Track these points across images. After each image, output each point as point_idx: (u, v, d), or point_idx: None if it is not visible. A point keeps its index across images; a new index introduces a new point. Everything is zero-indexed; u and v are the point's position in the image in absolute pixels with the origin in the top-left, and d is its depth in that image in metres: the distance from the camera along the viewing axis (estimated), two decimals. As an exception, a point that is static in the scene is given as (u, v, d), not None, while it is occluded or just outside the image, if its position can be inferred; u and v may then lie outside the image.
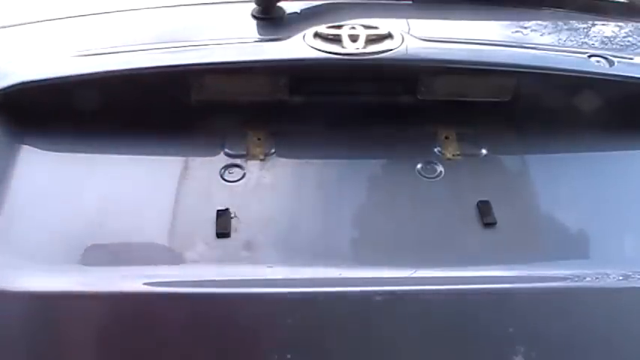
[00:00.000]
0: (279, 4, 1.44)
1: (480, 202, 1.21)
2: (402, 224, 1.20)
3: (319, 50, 1.31)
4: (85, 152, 1.26)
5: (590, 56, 1.38)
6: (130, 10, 1.51)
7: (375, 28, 1.35)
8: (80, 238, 1.14)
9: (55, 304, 1.06)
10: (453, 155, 1.30)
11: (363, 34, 1.33)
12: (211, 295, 1.07)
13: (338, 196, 1.23)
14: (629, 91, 1.35)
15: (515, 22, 1.57)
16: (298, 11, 1.47)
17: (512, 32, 1.55)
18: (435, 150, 1.30)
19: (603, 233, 1.20)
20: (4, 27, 1.47)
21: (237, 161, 1.26)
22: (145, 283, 1.08)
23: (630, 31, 1.57)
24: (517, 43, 1.46)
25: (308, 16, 1.45)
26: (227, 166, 1.25)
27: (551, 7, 1.64)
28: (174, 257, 1.16)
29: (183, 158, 1.27)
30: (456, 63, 1.34)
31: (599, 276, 1.13)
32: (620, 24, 1.60)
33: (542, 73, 1.35)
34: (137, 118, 1.28)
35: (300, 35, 1.34)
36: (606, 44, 1.52)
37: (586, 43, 1.51)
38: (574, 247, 1.20)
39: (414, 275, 1.12)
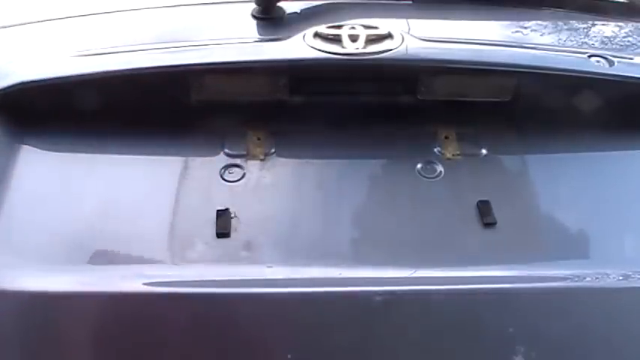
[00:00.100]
0: (279, 4, 1.44)
1: (480, 202, 1.21)
2: (402, 224, 1.20)
3: (319, 50, 1.30)
4: (85, 152, 1.26)
5: (590, 56, 1.38)
6: (130, 10, 1.51)
7: (375, 28, 1.35)
8: (80, 238, 1.14)
9: (54, 304, 1.06)
10: (453, 155, 1.30)
11: (363, 34, 1.33)
12: (211, 295, 1.07)
13: (338, 196, 1.23)
14: (629, 91, 1.35)
15: (515, 22, 1.57)
16: (298, 11, 1.47)
17: (512, 32, 1.55)
18: (435, 150, 1.30)
19: (603, 233, 1.20)
20: (4, 27, 1.47)
21: (237, 161, 1.26)
22: (144, 283, 1.08)
23: (630, 31, 1.57)
24: (517, 43, 1.46)
25: (308, 16, 1.45)
26: (227, 166, 1.25)
27: (551, 7, 1.64)
28: (174, 257, 1.16)
29: (183, 158, 1.27)
30: (456, 63, 1.34)
31: (599, 276, 1.13)
32: (620, 24, 1.60)
33: (542, 73, 1.35)
34: (137, 118, 1.28)
35: (300, 35, 1.34)
36: (606, 44, 1.52)
37: (586, 43, 1.51)
38: (574, 247, 1.20)
39: (414, 275, 1.12)
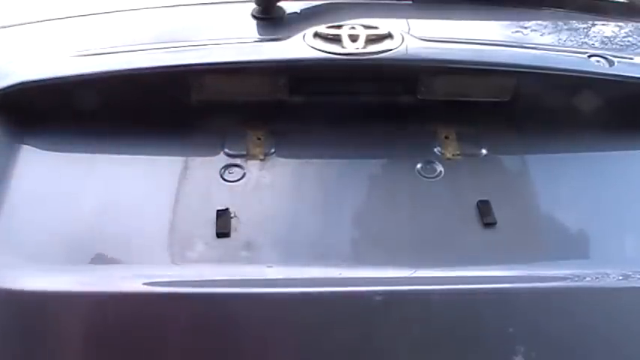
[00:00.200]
0: (279, 4, 1.44)
1: (480, 202, 1.21)
2: (402, 224, 1.20)
3: (319, 50, 1.30)
4: (85, 152, 1.26)
5: (590, 56, 1.38)
6: (130, 10, 1.51)
7: (375, 28, 1.35)
8: (80, 238, 1.14)
9: (55, 304, 1.06)
10: (453, 155, 1.30)
11: (363, 34, 1.33)
12: (211, 295, 1.07)
13: (338, 196, 1.23)
14: (629, 91, 1.35)
15: (515, 22, 1.57)
16: (298, 11, 1.47)
17: (512, 32, 1.55)
18: (435, 150, 1.30)
19: (603, 233, 1.20)
20: (4, 27, 1.47)
21: (237, 161, 1.26)
22: (144, 283, 1.08)
23: (630, 31, 1.57)
24: (517, 43, 1.46)
25: (308, 16, 1.45)
26: (227, 166, 1.25)
27: (551, 7, 1.64)
28: (174, 257, 1.16)
29: (183, 158, 1.27)
30: (456, 63, 1.34)
31: (599, 276, 1.13)
32: (620, 24, 1.60)
33: (542, 73, 1.35)
34: (137, 118, 1.28)
35: (300, 35, 1.34)
36: (606, 44, 1.52)
37: (586, 43, 1.51)
38: (574, 247, 1.20)
39: (414, 275, 1.12)
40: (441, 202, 1.24)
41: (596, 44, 1.51)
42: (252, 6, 1.45)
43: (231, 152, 1.28)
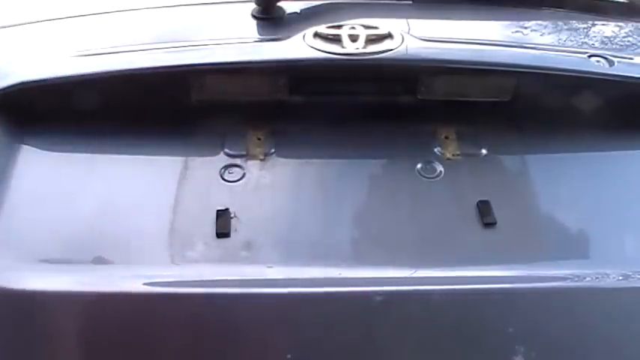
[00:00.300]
0: (279, 4, 1.44)
1: (480, 202, 1.21)
2: (401, 224, 1.20)
3: (319, 50, 1.31)
4: (85, 152, 1.26)
5: (590, 56, 1.38)
6: (130, 10, 1.51)
7: (375, 28, 1.35)
8: (80, 238, 1.14)
9: (55, 304, 1.06)
10: (453, 155, 1.30)
11: (363, 34, 1.33)
12: (211, 295, 1.07)
13: (338, 196, 1.23)
14: (629, 91, 1.35)
15: (515, 22, 1.57)
16: (298, 11, 1.47)
17: (512, 32, 1.55)
18: (435, 150, 1.30)
19: (603, 233, 1.20)
20: (4, 27, 1.47)
21: (237, 161, 1.26)
22: (144, 283, 1.08)
23: (630, 31, 1.57)
24: (517, 43, 1.46)
25: (308, 16, 1.45)
26: (227, 166, 1.25)
27: (551, 7, 1.64)
28: (174, 257, 1.16)
29: (183, 158, 1.27)
30: (456, 63, 1.34)
31: (599, 276, 1.13)
32: (620, 24, 1.60)
33: (542, 73, 1.35)
34: (137, 118, 1.28)
35: (300, 35, 1.34)
36: (606, 44, 1.52)
37: (586, 43, 1.51)
38: (574, 247, 1.20)
39: (414, 275, 1.12)
40: (441, 202, 1.24)
41: (596, 44, 1.51)
42: (252, 6, 1.45)
43: (231, 152, 1.28)
